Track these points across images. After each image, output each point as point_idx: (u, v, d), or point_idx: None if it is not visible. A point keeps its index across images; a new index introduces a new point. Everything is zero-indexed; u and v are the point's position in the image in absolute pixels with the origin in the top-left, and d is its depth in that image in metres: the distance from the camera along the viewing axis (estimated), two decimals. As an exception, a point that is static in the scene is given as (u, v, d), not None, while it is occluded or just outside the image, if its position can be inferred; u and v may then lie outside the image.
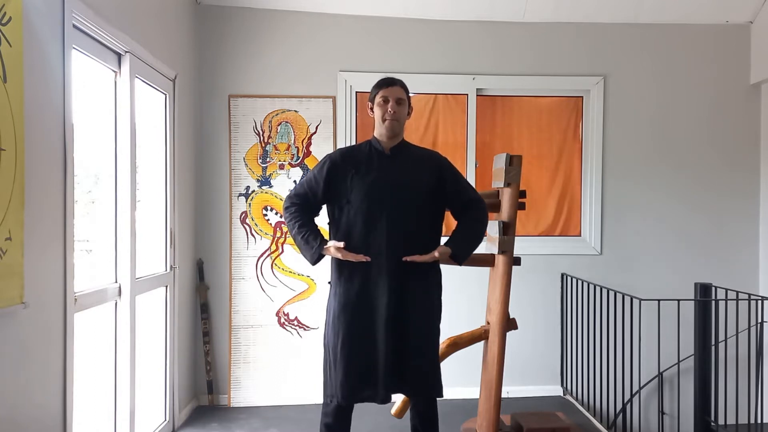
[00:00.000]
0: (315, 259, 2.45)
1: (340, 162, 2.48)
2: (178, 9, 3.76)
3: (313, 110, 4.21)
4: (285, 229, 4.16)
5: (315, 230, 2.47)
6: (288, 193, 2.73)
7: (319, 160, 2.57)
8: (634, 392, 3.72)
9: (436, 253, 2.39)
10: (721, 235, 4.49)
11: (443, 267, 2.59)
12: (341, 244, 2.37)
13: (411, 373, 2.39)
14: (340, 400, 2.39)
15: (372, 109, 2.53)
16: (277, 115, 4.19)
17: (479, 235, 2.52)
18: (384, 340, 2.35)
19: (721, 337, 3.79)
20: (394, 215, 2.38)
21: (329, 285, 2.54)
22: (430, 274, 2.51)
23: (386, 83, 2.50)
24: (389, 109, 2.45)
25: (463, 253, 2.47)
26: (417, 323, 2.41)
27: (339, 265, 2.46)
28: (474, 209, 2.52)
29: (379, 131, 2.52)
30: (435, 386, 2.47)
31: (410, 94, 2.58)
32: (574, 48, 4.39)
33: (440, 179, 2.50)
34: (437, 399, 2.53)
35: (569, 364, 4.27)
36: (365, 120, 4.32)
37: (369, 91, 4.31)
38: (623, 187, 4.42)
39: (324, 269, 4.16)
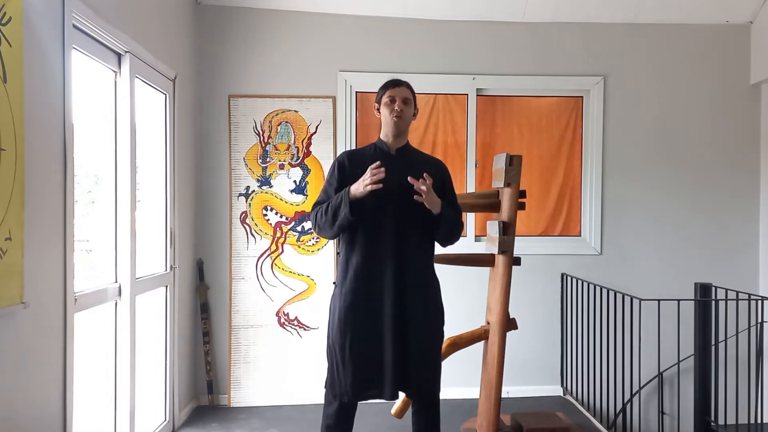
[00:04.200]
0: (347, 202, 2.33)
1: (348, 163, 2.52)
2: (178, 9, 3.76)
3: (313, 110, 4.21)
4: (285, 229, 4.17)
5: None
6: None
7: (330, 167, 2.58)
8: (634, 392, 3.72)
9: (429, 187, 2.32)
10: (721, 235, 4.48)
11: (444, 266, 2.59)
12: (374, 170, 2.29)
13: (413, 375, 2.40)
14: (350, 397, 2.40)
15: (379, 110, 2.56)
16: (277, 115, 4.19)
17: (456, 227, 2.51)
18: (390, 338, 2.37)
19: (721, 337, 3.79)
20: (400, 214, 2.39)
21: (334, 285, 2.54)
22: (432, 275, 2.53)
23: (393, 84, 2.54)
24: (396, 108, 2.48)
25: (446, 216, 2.43)
26: (421, 323, 2.42)
27: (345, 265, 2.47)
28: (457, 215, 2.56)
29: (385, 131, 2.55)
30: (434, 392, 2.50)
31: (415, 95, 2.61)
32: (574, 48, 4.39)
33: (441, 185, 2.54)
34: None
35: (569, 364, 4.27)
36: (365, 120, 4.32)
37: (368, 91, 4.34)
38: (623, 187, 4.42)
39: (324, 270, 4.17)
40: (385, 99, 2.52)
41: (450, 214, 2.46)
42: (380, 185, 2.28)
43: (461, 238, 4.39)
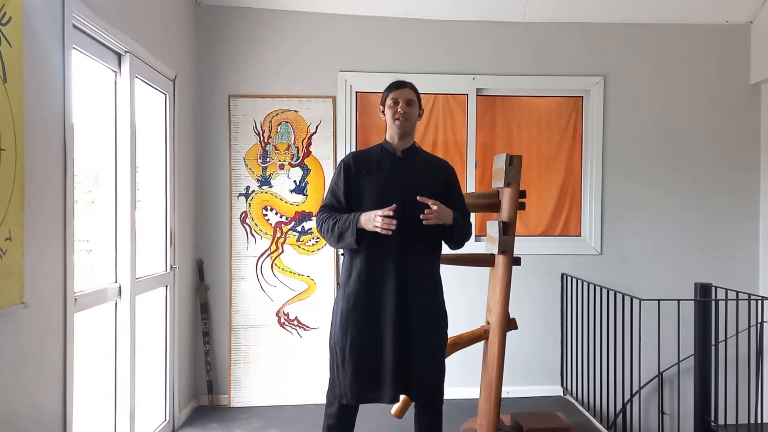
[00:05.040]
0: (355, 232, 2.35)
1: (353, 164, 2.53)
2: (178, 9, 3.76)
3: (313, 110, 4.21)
4: (285, 229, 4.17)
5: (345, 213, 2.46)
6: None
7: (335, 168, 2.59)
8: (634, 392, 3.72)
9: (439, 207, 2.34)
10: (721, 235, 4.48)
11: (444, 266, 2.60)
12: (386, 219, 2.29)
13: (414, 377, 2.40)
14: (350, 399, 2.40)
15: (383, 112, 2.56)
16: (277, 115, 4.19)
17: (466, 235, 2.53)
18: (392, 341, 2.37)
19: (721, 337, 3.79)
20: (404, 216, 2.38)
21: (338, 287, 2.55)
22: (435, 278, 2.53)
23: (396, 86, 2.54)
24: (399, 110, 2.49)
25: (457, 224, 2.44)
26: (423, 326, 2.42)
27: (348, 267, 2.47)
28: (466, 219, 2.57)
29: (390, 133, 2.56)
30: (436, 393, 2.49)
31: (420, 96, 2.61)
32: (574, 48, 4.39)
33: (447, 187, 2.54)
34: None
35: (569, 364, 4.27)
36: (365, 120, 4.32)
37: (368, 91, 4.34)
38: (623, 187, 4.42)
39: (324, 270, 4.17)
40: (389, 101, 2.52)
41: (460, 221, 2.47)
42: (389, 233, 2.29)
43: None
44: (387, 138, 2.57)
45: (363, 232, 2.37)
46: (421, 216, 2.32)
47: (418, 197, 2.34)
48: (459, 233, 2.48)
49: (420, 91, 2.60)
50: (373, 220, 2.31)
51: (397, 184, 2.45)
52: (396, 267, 2.40)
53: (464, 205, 2.61)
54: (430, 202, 2.33)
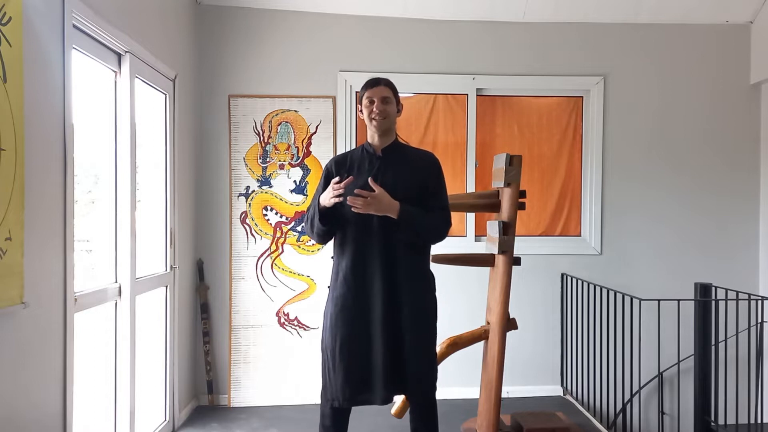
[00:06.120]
0: (317, 212, 2.37)
1: (334, 169, 2.53)
2: (178, 9, 3.76)
3: (313, 110, 4.21)
4: (285, 229, 4.17)
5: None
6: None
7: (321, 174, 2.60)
8: (634, 392, 3.72)
9: (374, 196, 2.29)
10: (721, 235, 4.48)
11: (444, 266, 2.59)
12: (335, 185, 2.30)
13: (407, 374, 2.39)
14: (342, 402, 2.40)
15: (362, 111, 2.56)
16: (277, 115, 4.19)
17: (430, 226, 2.41)
18: (381, 342, 2.36)
19: (721, 337, 3.79)
20: (386, 216, 2.36)
21: (328, 289, 2.54)
22: (423, 275, 2.50)
23: (371, 84, 2.52)
24: (375, 109, 2.47)
25: (407, 218, 2.34)
26: (412, 324, 2.40)
27: (336, 269, 2.47)
28: (441, 213, 2.47)
29: (370, 132, 2.56)
30: (432, 391, 2.49)
31: (399, 93, 2.58)
32: (574, 48, 4.39)
33: (426, 178, 2.48)
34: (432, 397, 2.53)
35: (569, 364, 4.27)
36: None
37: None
38: (623, 187, 4.42)
39: (324, 270, 4.17)
40: (365, 101, 2.51)
41: (412, 215, 2.34)
42: (340, 199, 2.29)
43: (461, 238, 4.43)
44: (368, 138, 2.56)
45: (329, 213, 2.38)
46: (348, 201, 2.28)
47: (369, 181, 2.31)
48: (410, 228, 2.35)
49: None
50: (328, 194, 2.32)
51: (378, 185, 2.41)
52: (382, 267, 2.38)
53: (443, 197, 2.51)
54: (375, 190, 2.28)
